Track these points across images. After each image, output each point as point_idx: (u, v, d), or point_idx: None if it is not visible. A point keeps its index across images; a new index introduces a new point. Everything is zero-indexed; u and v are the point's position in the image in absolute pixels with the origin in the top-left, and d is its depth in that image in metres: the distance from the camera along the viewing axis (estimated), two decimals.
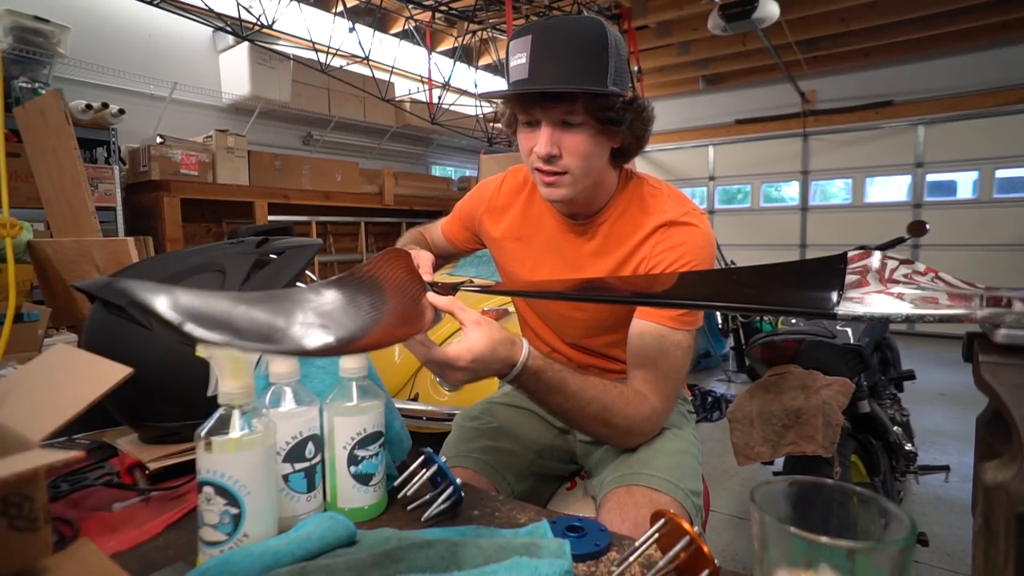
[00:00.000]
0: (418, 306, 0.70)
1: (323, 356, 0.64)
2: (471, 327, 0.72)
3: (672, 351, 0.84)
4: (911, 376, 2.19)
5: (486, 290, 0.88)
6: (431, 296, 0.73)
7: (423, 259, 0.81)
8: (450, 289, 0.78)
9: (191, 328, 0.39)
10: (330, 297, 0.58)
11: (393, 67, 5.13)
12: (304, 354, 0.49)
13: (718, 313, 3.83)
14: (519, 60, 0.80)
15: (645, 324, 0.85)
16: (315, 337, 0.49)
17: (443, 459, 0.65)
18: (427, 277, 0.77)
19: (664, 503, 0.80)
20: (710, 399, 3.53)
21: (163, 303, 0.40)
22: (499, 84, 6.37)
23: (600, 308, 0.96)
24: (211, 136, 3.83)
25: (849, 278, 0.51)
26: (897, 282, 0.49)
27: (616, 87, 0.80)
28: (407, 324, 0.64)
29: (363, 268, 0.68)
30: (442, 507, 0.63)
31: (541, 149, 0.82)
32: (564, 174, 0.84)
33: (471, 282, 0.86)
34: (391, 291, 0.68)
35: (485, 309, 2.34)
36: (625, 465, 0.87)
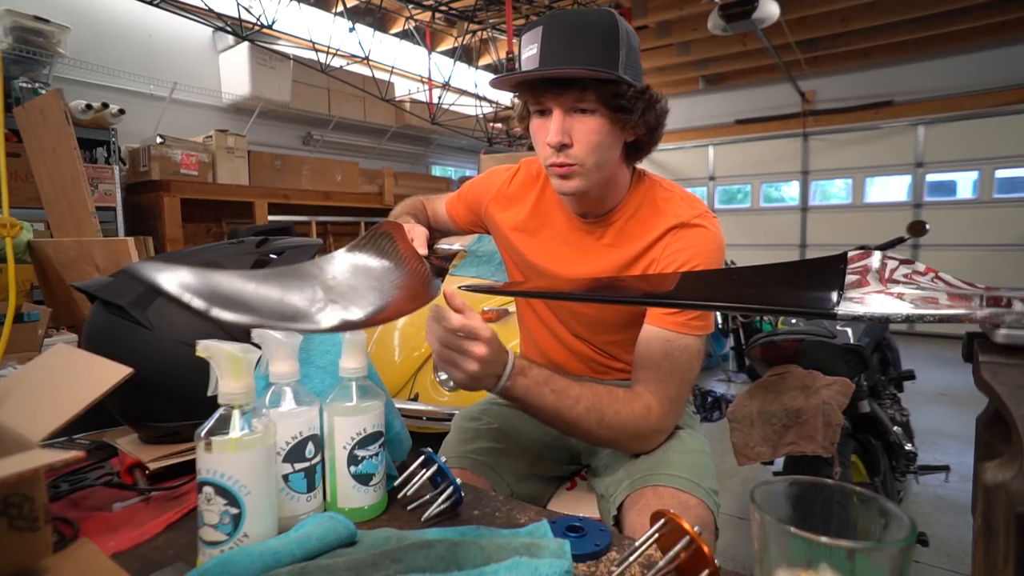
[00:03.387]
0: (421, 279, 0.70)
1: (340, 331, 0.65)
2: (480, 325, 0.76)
3: (678, 355, 0.84)
4: (911, 376, 2.19)
5: (485, 290, 0.88)
6: (449, 290, 0.75)
7: (417, 233, 0.82)
8: (442, 262, 0.80)
9: (217, 313, 0.40)
10: (339, 272, 0.58)
11: (393, 67, 5.14)
12: (323, 331, 0.50)
13: (718, 313, 3.83)
14: (530, 51, 0.80)
15: (652, 329, 0.85)
16: (332, 315, 0.49)
17: (443, 459, 0.65)
18: (422, 251, 0.79)
19: (692, 504, 0.80)
20: (710, 399, 3.53)
21: (182, 287, 0.41)
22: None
23: (606, 306, 0.96)
24: (211, 136, 3.83)
25: (849, 278, 0.51)
26: (897, 282, 0.49)
27: (628, 76, 0.80)
28: (414, 298, 0.64)
29: (364, 241, 0.67)
30: (442, 507, 0.63)
31: (552, 138, 0.81)
32: (576, 165, 0.83)
33: (464, 253, 0.88)
34: (396, 264, 0.68)
35: (485, 309, 2.34)
36: (645, 465, 0.86)
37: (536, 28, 0.80)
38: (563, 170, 0.83)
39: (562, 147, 0.82)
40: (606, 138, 0.83)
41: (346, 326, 0.51)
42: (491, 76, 6.29)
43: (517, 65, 0.84)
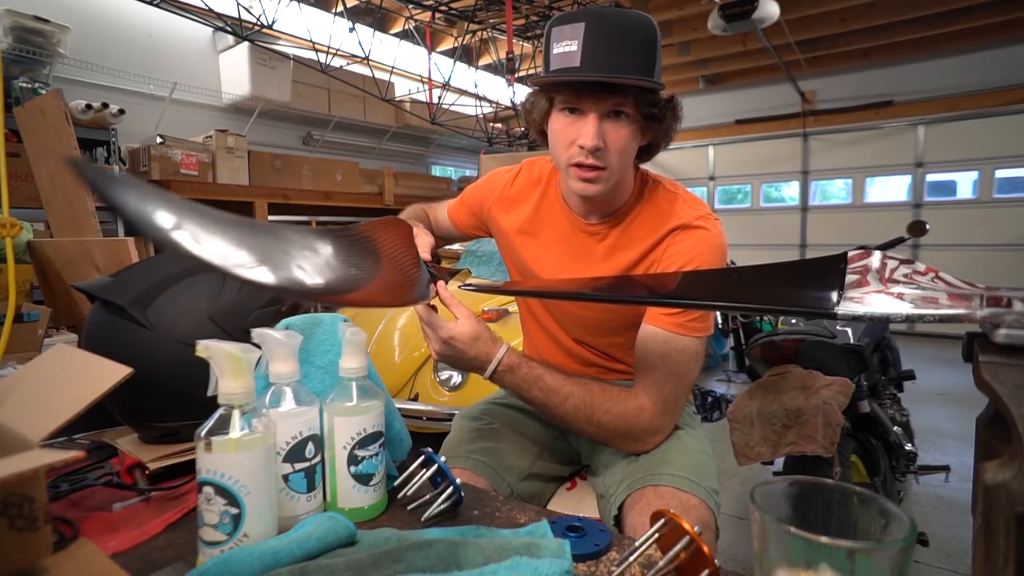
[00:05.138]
0: (407, 279, 0.71)
1: (306, 298, 0.67)
2: (463, 317, 0.80)
3: (675, 356, 0.84)
4: (911, 376, 2.19)
5: (484, 289, 0.89)
6: (440, 287, 0.78)
7: (423, 241, 0.83)
8: (445, 274, 0.80)
9: (178, 237, 0.44)
10: (323, 248, 0.60)
11: (393, 67, 5.14)
12: (290, 291, 0.53)
13: (718, 313, 3.83)
14: (568, 47, 0.78)
15: (651, 329, 0.85)
16: (302, 278, 0.52)
17: (443, 459, 0.65)
18: (424, 256, 0.81)
19: (693, 504, 0.81)
20: (710, 399, 3.52)
21: (149, 202, 0.44)
22: (502, 84, 6.36)
23: (606, 309, 0.95)
24: (211, 136, 3.83)
25: (849, 278, 0.51)
26: (897, 282, 0.49)
27: (660, 83, 0.81)
28: (391, 293, 0.66)
29: (361, 228, 0.69)
30: (442, 507, 0.63)
31: (589, 142, 0.79)
32: (604, 169, 0.82)
33: (468, 272, 0.89)
34: (384, 258, 0.69)
35: (485, 309, 2.34)
36: (646, 465, 0.86)
37: (576, 23, 0.77)
38: (592, 174, 0.82)
39: (596, 151, 0.81)
40: (632, 144, 0.84)
41: (294, 291, 0.53)
42: (491, 76, 6.31)
43: (544, 57, 0.83)
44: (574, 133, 0.82)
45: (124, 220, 0.43)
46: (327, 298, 0.56)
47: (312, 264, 0.55)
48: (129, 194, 0.44)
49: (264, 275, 0.49)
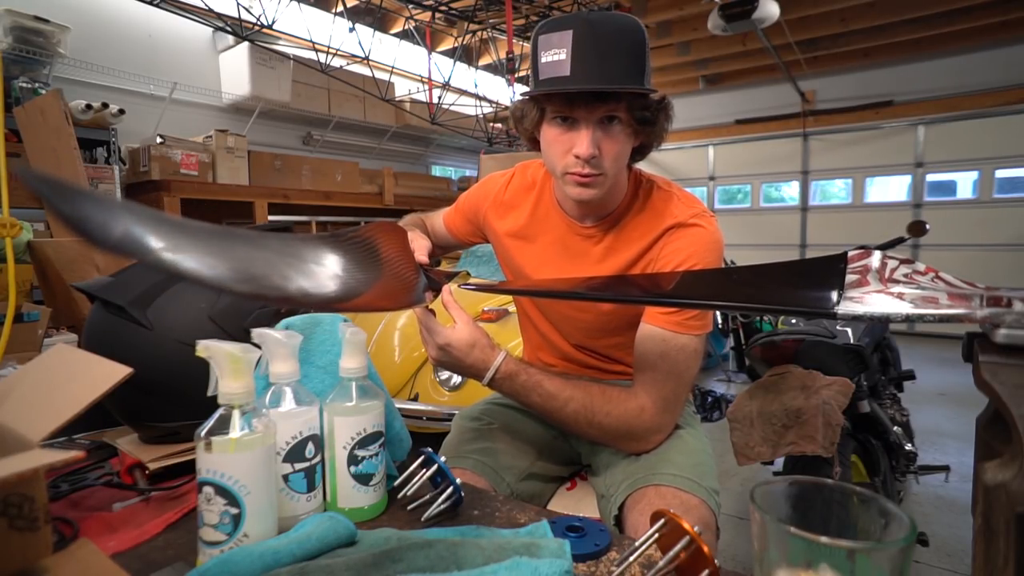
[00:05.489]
0: (403, 283, 0.72)
1: (301, 305, 0.69)
2: (461, 323, 0.80)
3: (674, 355, 0.83)
4: (911, 376, 2.19)
5: (484, 289, 0.89)
6: (443, 293, 0.79)
7: (419, 245, 0.84)
8: (443, 277, 0.81)
9: (170, 257, 0.44)
10: (318, 255, 0.61)
11: (393, 67, 5.14)
12: (281, 301, 0.54)
13: (718, 313, 3.83)
14: (557, 55, 0.77)
15: (649, 328, 0.85)
16: (294, 287, 0.53)
17: (442, 459, 0.65)
18: (421, 260, 0.81)
19: (694, 504, 0.81)
20: (710, 399, 3.52)
21: (139, 222, 0.44)
22: (502, 84, 6.37)
23: (603, 310, 0.95)
24: (211, 136, 3.83)
25: (849, 278, 0.51)
26: (897, 282, 0.49)
27: (651, 87, 0.81)
28: (387, 298, 0.68)
29: (356, 232, 0.69)
30: (442, 507, 0.63)
31: (584, 151, 0.79)
32: (600, 175, 0.82)
33: (467, 274, 0.90)
34: (379, 262, 0.70)
35: (485, 309, 2.33)
36: (646, 464, 0.87)
37: (564, 31, 0.76)
38: (588, 180, 0.82)
39: (591, 159, 0.81)
40: (626, 148, 0.84)
41: (300, 300, 0.53)
42: (491, 76, 6.30)
43: (532, 65, 0.82)
44: (568, 142, 0.82)
45: (84, 238, 0.39)
46: (324, 307, 0.56)
47: (307, 273, 0.55)
48: (92, 210, 0.42)
49: (252, 286, 0.49)
